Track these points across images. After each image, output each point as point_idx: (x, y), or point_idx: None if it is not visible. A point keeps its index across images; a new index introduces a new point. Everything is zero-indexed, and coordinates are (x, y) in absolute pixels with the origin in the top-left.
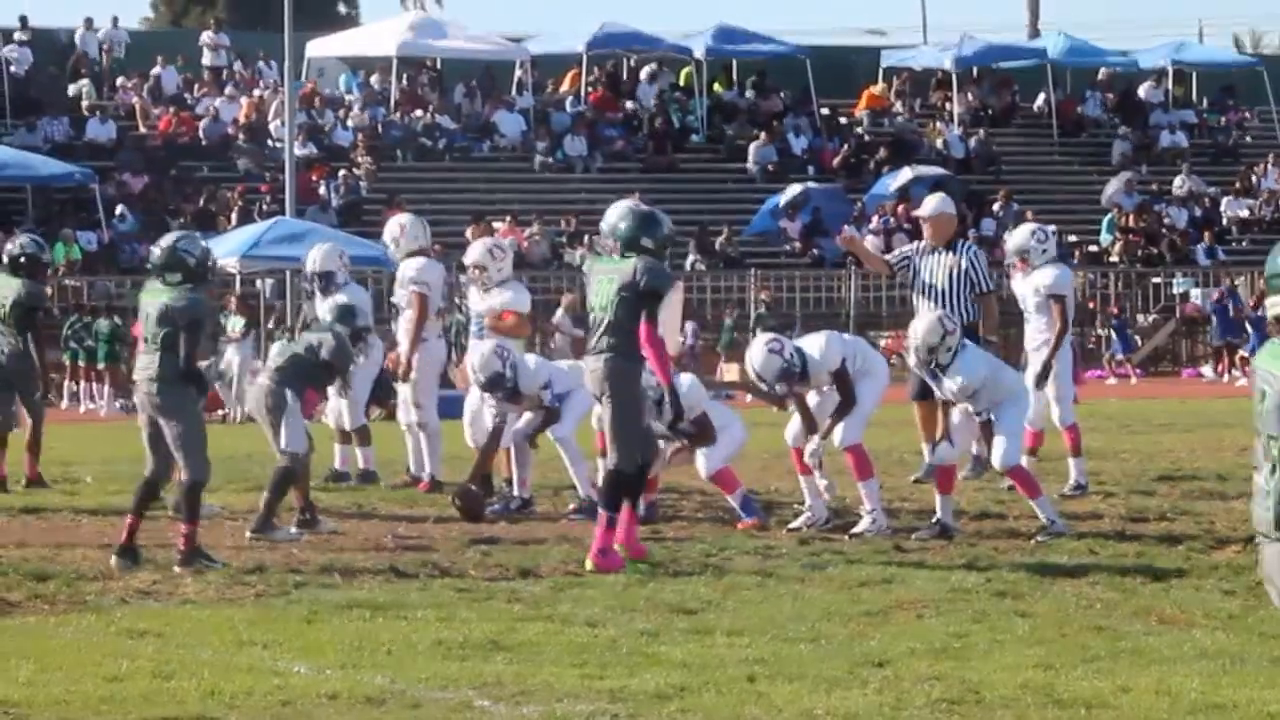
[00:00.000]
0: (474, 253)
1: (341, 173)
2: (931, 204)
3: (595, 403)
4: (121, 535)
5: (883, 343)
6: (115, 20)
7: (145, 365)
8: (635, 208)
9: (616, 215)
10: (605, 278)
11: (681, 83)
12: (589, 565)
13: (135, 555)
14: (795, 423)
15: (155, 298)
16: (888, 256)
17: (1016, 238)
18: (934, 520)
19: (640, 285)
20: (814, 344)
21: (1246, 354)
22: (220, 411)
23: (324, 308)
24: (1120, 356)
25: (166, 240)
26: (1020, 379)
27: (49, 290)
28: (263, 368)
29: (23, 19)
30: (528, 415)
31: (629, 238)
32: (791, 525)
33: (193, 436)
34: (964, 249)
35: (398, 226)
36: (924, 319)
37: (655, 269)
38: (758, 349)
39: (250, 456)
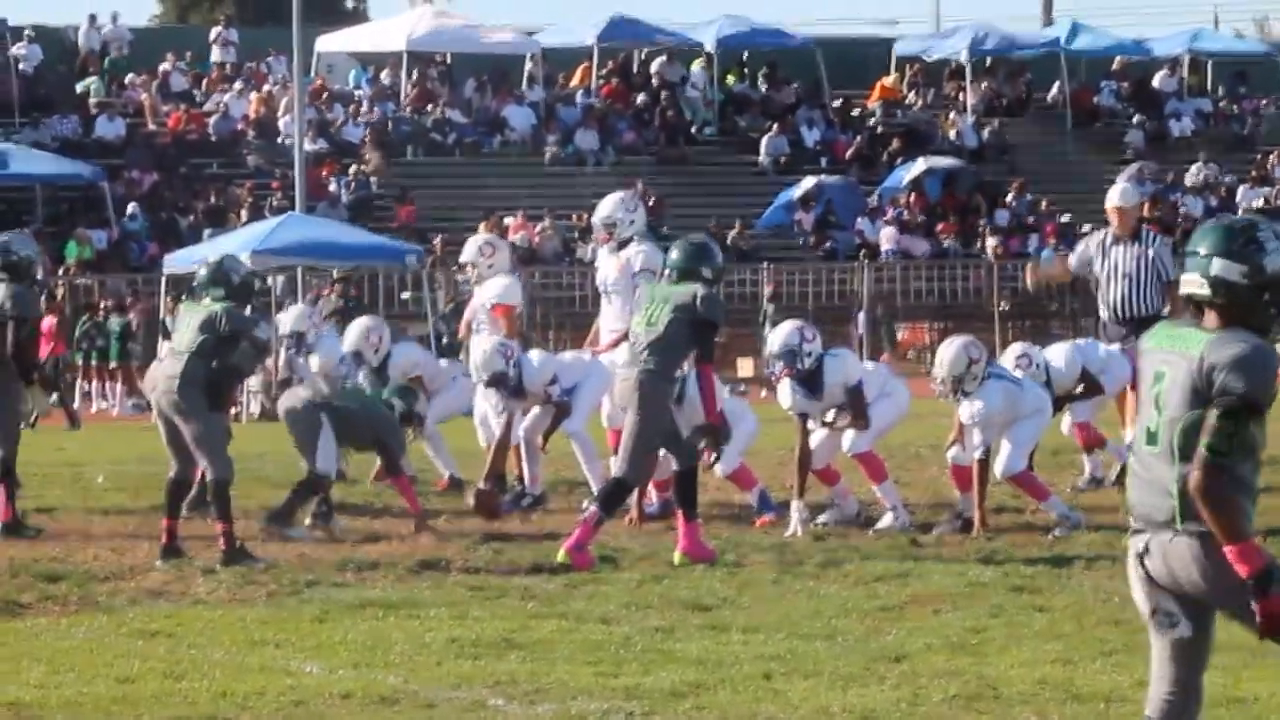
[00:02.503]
0: (467, 251)
1: (352, 169)
2: (1120, 194)
3: (608, 402)
4: (162, 538)
5: (900, 334)
6: (115, 17)
7: (171, 369)
8: (692, 238)
9: (610, 207)
10: (659, 299)
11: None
12: (678, 559)
13: (179, 553)
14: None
15: (200, 309)
16: (1070, 262)
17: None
18: (956, 513)
19: (699, 311)
20: (838, 355)
21: None
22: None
23: (310, 365)
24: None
25: (213, 258)
26: (1044, 398)
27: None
28: (300, 378)
29: None
30: (535, 410)
31: (686, 267)
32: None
33: (211, 436)
34: (1150, 238)
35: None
36: (950, 347)
37: (715, 299)
38: (789, 324)
39: (263, 456)
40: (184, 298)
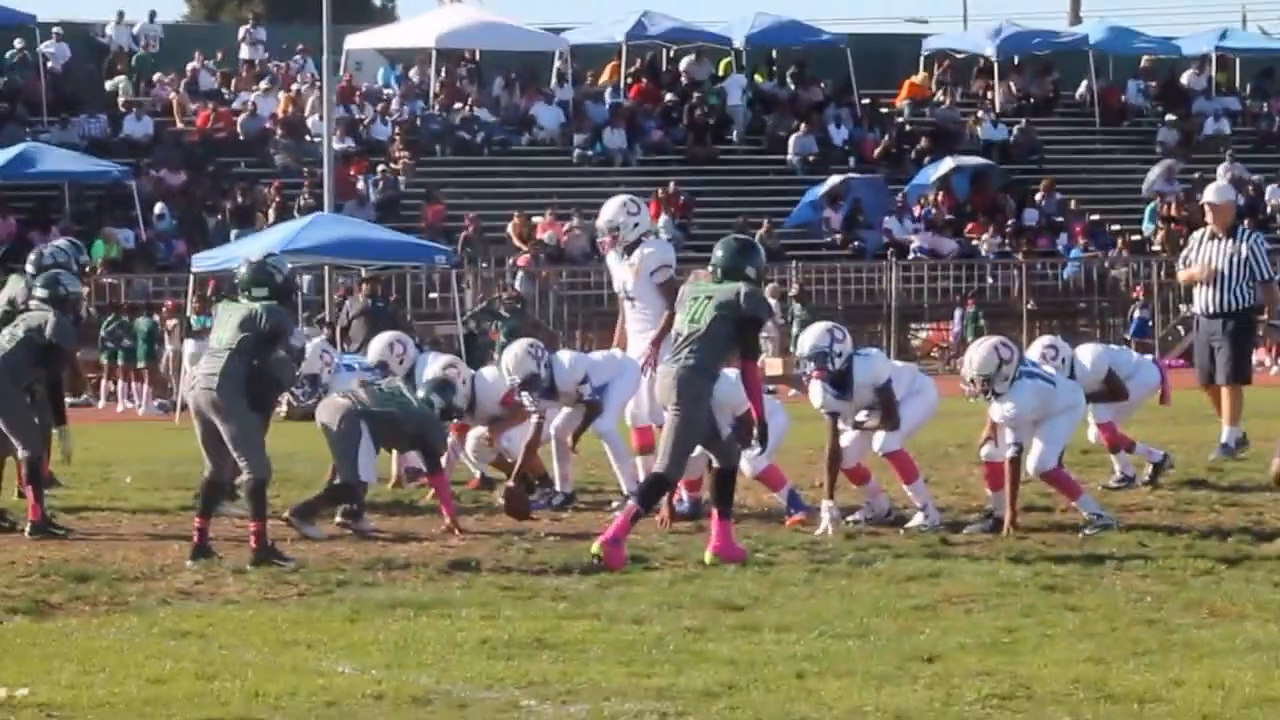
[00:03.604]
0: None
1: (380, 168)
2: (1216, 191)
3: (633, 399)
4: (194, 537)
5: (925, 334)
6: (153, 15)
7: (210, 367)
8: (735, 236)
9: (612, 212)
10: (703, 296)
11: (721, 73)
12: (709, 558)
13: (210, 554)
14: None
15: (240, 307)
16: (1183, 255)
17: None
18: (987, 512)
19: (743, 308)
20: (867, 355)
21: None
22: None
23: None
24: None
25: (255, 257)
26: (1078, 393)
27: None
28: (340, 383)
29: None
30: (566, 410)
31: (732, 266)
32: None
33: (249, 435)
34: (1245, 236)
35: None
36: (980, 348)
37: (758, 296)
38: (820, 326)
39: (292, 455)
40: (213, 297)
